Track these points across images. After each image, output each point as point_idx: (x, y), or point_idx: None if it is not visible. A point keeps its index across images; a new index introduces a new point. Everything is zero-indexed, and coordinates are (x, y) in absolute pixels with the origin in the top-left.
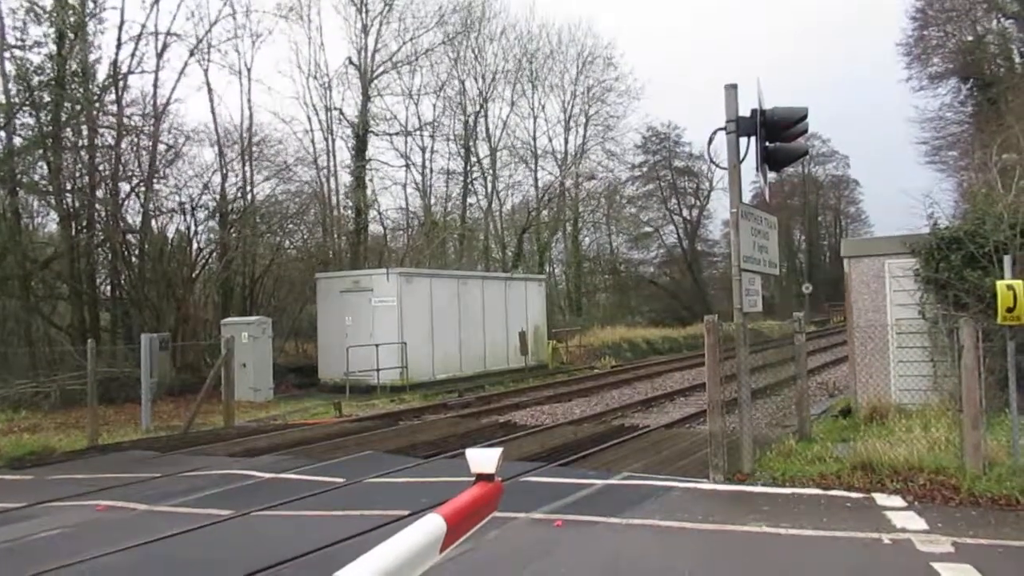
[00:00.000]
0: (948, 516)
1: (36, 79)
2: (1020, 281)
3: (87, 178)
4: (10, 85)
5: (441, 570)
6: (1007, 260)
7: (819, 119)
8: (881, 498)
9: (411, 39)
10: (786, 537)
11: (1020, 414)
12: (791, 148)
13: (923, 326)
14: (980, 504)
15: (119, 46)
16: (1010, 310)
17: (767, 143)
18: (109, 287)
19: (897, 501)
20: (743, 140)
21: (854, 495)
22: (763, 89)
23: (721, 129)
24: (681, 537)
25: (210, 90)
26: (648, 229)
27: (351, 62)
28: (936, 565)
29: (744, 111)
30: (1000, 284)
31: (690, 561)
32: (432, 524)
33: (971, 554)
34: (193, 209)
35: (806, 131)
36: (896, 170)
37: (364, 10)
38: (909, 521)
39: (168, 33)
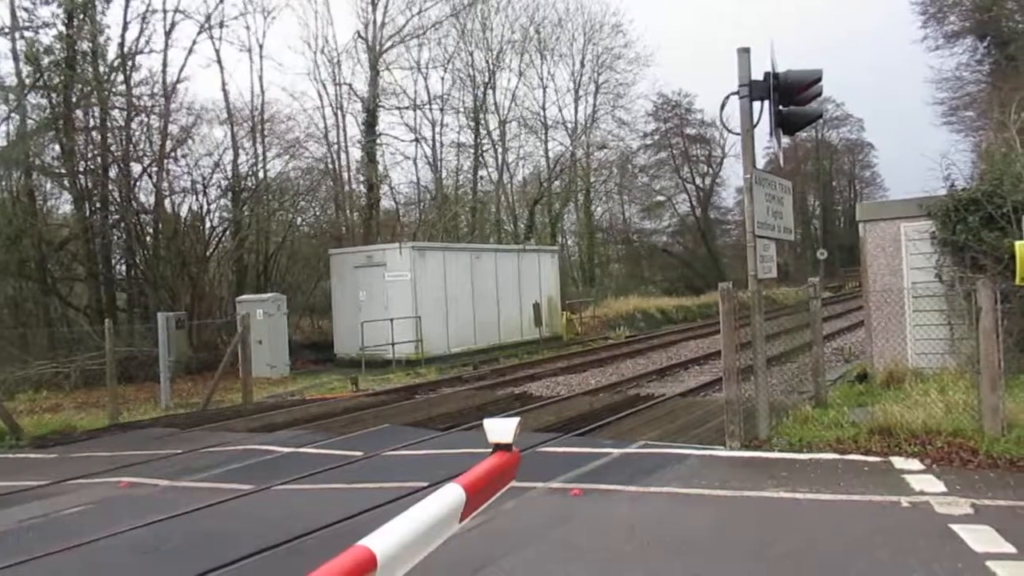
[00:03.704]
0: (966, 478)
1: (46, 60)
2: None
3: (99, 159)
4: (21, 66)
5: (461, 539)
6: None
7: (833, 82)
8: (899, 461)
9: (418, 12)
10: (804, 502)
11: None
12: (805, 112)
13: (940, 289)
14: (999, 466)
15: (126, 25)
16: None
17: (780, 107)
18: (124, 267)
19: (915, 464)
20: (756, 104)
21: (871, 459)
22: (776, 52)
23: (734, 94)
24: (699, 504)
25: (221, 67)
26: (660, 198)
27: (360, 36)
28: (955, 527)
29: (757, 75)
30: (1019, 245)
31: (708, 527)
32: (452, 494)
33: (990, 515)
34: (205, 187)
35: (820, 94)
36: (912, 132)
37: None
38: (927, 484)
39: (176, 11)
